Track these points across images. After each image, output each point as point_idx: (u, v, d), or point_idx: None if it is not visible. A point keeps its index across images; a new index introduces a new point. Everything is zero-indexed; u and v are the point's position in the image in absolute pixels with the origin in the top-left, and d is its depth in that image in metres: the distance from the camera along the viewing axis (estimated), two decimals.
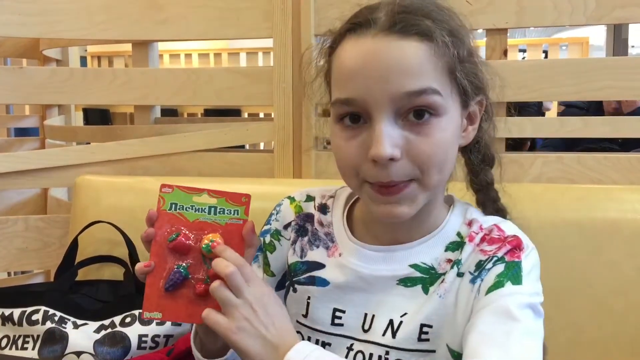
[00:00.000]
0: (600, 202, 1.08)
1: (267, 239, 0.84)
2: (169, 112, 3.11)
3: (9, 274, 2.09)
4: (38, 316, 1.10)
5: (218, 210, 0.71)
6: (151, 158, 1.42)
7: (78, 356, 1.07)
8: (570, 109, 2.85)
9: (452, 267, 0.72)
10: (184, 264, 0.69)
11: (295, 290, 0.80)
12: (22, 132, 2.48)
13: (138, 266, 0.69)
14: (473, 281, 0.71)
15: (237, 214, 0.71)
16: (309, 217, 0.83)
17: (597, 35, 5.26)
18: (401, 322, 0.73)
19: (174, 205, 0.71)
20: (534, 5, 1.20)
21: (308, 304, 0.78)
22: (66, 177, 1.42)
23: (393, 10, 0.67)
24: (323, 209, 0.82)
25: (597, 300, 1.02)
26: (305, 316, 0.78)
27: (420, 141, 0.66)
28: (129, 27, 1.41)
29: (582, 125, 1.22)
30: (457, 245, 0.74)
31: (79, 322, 1.10)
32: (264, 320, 0.65)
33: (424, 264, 0.73)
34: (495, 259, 0.70)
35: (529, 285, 0.69)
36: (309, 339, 0.78)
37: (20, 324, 1.10)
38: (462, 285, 0.71)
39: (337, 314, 0.76)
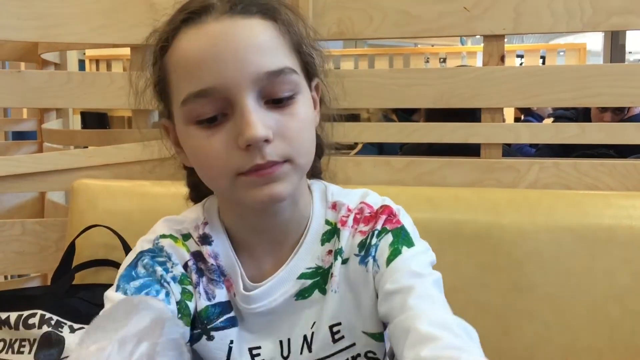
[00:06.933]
0: (596, 208, 1.08)
1: (179, 288, 0.71)
2: None
3: (5, 277, 2.08)
4: (34, 320, 1.09)
5: None
6: (149, 162, 1.42)
7: None
8: (560, 119, 2.84)
9: (335, 258, 0.71)
10: None
11: (211, 338, 0.72)
12: (19, 136, 2.48)
13: None
14: (363, 260, 0.71)
15: None
16: (199, 255, 0.74)
17: (595, 41, 5.28)
18: (312, 332, 0.72)
19: None
20: (531, 12, 1.20)
21: (230, 348, 0.72)
22: (63, 180, 1.41)
23: None
24: (206, 239, 0.75)
25: (592, 306, 1.02)
26: None
27: (287, 120, 0.63)
28: (127, 31, 1.41)
29: (579, 132, 1.22)
30: (330, 234, 0.73)
31: (76, 326, 1.10)
32: None
33: (309, 268, 0.72)
34: (376, 232, 0.71)
35: (419, 243, 0.71)
36: None
37: (16, 327, 1.10)
38: (352, 269, 0.71)
39: (254, 352, 0.73)
